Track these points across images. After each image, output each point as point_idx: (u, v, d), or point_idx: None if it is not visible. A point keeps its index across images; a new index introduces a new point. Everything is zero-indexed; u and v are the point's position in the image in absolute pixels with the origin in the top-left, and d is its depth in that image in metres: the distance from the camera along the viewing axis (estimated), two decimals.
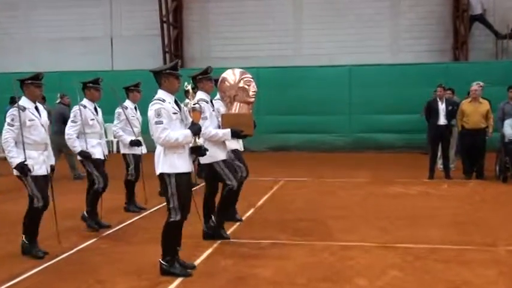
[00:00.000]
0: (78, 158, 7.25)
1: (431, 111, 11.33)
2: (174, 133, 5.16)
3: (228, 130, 6.32)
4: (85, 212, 7.32)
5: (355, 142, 16.96)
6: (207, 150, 5.54)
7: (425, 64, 17.10)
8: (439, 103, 11.25)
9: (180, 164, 5.24)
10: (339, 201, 9.15)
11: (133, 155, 8.43)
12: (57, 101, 12.31)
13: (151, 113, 5.18)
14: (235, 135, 6.40)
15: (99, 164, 7.23)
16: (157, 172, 5.29)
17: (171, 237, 5.33)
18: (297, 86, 17.06)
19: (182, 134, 5.20)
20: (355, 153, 16.39)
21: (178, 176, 5.22)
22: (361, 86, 16.80)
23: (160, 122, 5.12)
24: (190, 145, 5.32)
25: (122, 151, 8.53)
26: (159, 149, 5.28)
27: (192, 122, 5.33)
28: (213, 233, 6.62)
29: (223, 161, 6.48)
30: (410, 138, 16.27)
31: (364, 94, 16.70)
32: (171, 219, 5.27)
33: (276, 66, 17.77)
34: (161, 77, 5.33)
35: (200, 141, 5.43)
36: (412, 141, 16.19)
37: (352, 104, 16.96)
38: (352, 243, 6.48)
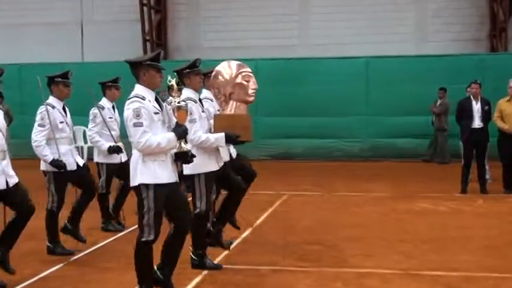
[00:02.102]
0: (48, 168, 7.18)
1: (464, 111, 11.34)
2: (155, 137, 5.16)
3: (222, 134, 6.30)
4: (67, 223, 7.38)
5: (372, 149, 16.98)
6: (195, 156, 5.54)
7: (457, 56, 17.16)
8: (473, 102, 11.27)
9: (160, 173, 5.24)
10: (353, 220, 9.14)
11: (107, 164, 8.40)
12: None
13: (128, 112, 5.18)
14: (230, 140, 6.37)
15: (63, 178, 7.19)
16: (133, 183, 5.28)
17: (144, 259, 5.33)
18: (303, 81, 17.07)
19: (165, 137, 5.20)
20: (372, 162, 16.40)
21: (158, 187, 5.22)
22: (380, 81, 16.82)
23: (140, 124, 5.12)
24: (175, 150, 5.32)
25: (96, 159, 8.51)
26: (136, 156, 5.28)
27: (177, 123, 5.33)
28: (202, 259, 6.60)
29: (207, 174, 6.39)
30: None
31: (384, 91, 16.72)
32: (143, 239, 5.26)
33: (278, 57, 17.81)
34: (139, 70, 5.33)
35: (188, 146, 5.42)
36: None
37: (369, 103, 16.98)
38: (369, 270, 6.47)
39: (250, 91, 6.69)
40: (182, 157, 5.37)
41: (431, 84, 16.24)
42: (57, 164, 7.03)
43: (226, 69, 6.73)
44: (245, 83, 6.67)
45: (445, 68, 16.44)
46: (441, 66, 16.56)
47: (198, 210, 6.38)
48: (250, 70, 6.80)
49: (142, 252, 5.31)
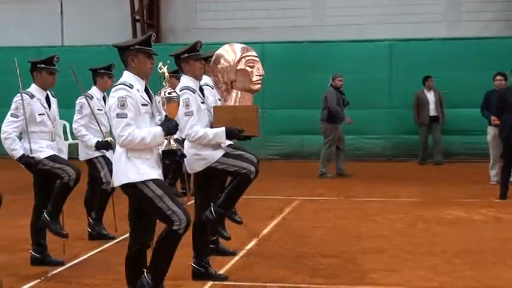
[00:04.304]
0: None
1: (504, 104, 11.32)
2: (139, 131, 5.20)
3: (222, 129, 6.32)
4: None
5: (397, 147, 16.98)
6: (185, 156, 5.56)
7: (495, 39, 17.11)
8: None
9: (147, 170, 5.28)
10: (374, 230, 9.15)
11: (103, 157, 8.37)
12: (329, 83, 14.26)
13: (113, 101, 5.23)
14: (232, 135, 6.38)
15: (56, 156, 7.16)
16: (121, 182, 5.31)
17: (173, 250, 5.36)
18: (316, 68, 17.04)
19: (150, 132, 5.23)
20: (397, 163, 16.40)
21: (154, 181, 5.27)
22: (406, 68, 16.82)
23: (124, 115, 5.17)
24: (163, 148, 5.35)
25: (84, 157, 8.48)
26: (119, 152, 5.32)
27: (166, 116, 5.35)
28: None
29: (223, 155, 6.46)
30: (473, 142, 16.23)
31: (410, 80, 16.69)
32: (175, 227, 5.24)
33: (288, 40, 17.81)
34: (128, 55, 5.38)
35: (188, 144, 5.43)
36: (476, 145, 16.15)
37: (394, 93, 16.98)
38: None
39: (255, 78, 6.67)
40: (170, 156, 5.38)
41: (465, 72, 16.23)
42: (26, 161, 7.01)
43: (229, 53, 6.71)
44: (249, 69, 6.65)
45: (482, 53, 16.39)
46: (477, 51, 16.52)
47: (246, 171, 6.44)
48: (255, 54, 6.79)
49: (172, 245, 5.32)
